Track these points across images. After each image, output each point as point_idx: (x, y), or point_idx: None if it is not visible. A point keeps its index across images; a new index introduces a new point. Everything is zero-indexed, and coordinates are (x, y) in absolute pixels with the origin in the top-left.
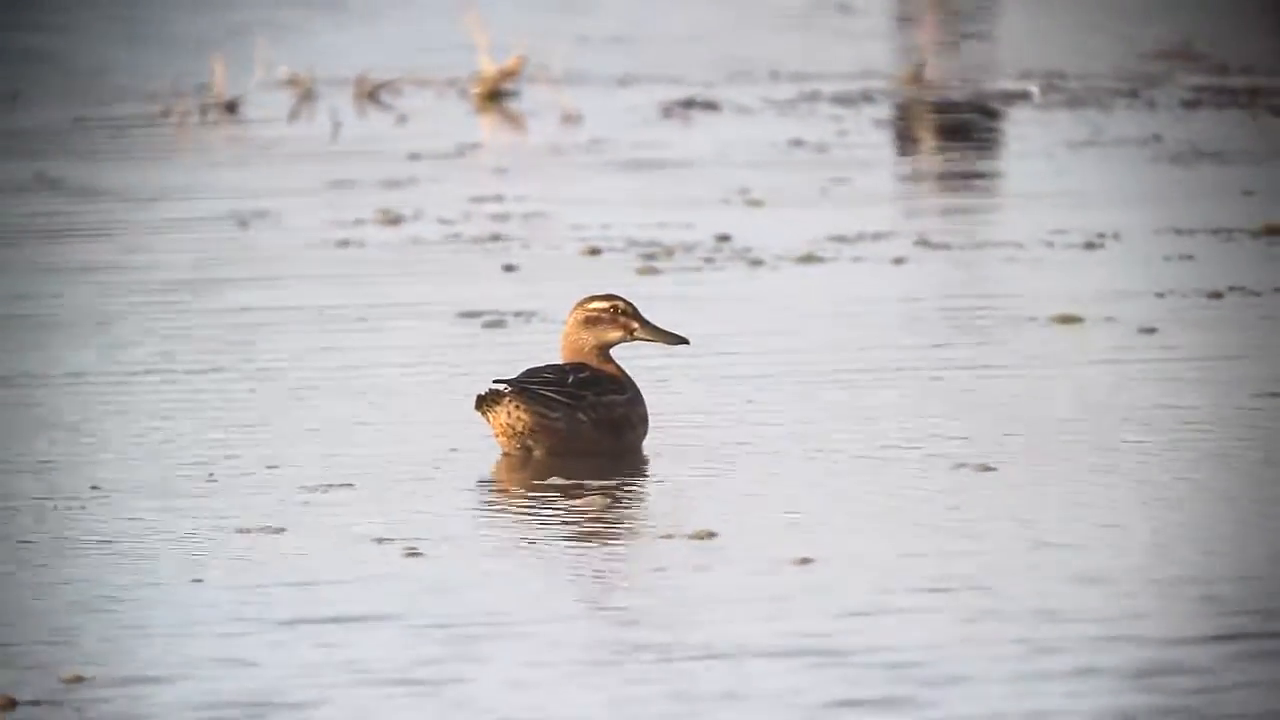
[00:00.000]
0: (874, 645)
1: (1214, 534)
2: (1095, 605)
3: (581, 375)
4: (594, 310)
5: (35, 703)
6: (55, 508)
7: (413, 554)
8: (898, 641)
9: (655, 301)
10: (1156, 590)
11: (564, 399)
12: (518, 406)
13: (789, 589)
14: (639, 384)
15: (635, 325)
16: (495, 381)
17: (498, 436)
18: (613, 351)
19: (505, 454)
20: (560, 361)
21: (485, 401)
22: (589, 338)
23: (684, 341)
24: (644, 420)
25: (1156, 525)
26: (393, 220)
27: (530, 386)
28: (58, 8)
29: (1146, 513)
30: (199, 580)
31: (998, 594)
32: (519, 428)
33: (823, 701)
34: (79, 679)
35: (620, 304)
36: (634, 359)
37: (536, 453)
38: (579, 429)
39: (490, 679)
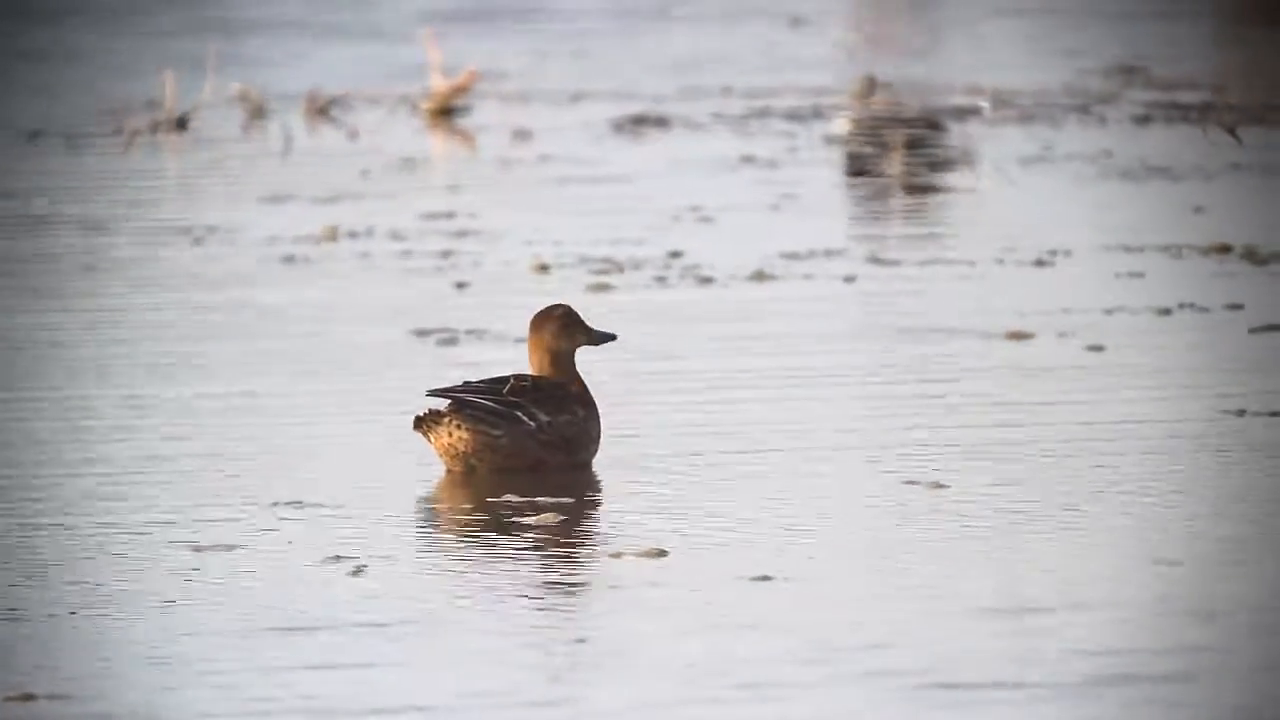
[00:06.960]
0: (826, 660)
1: (1168, 546)
2: (1048, 623)
3: (522, 384)
4: (562, 317)
5: None
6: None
7: (359, 573)
8: (854, 658)
9: (607, 318)
10: (1117, 605)
11: (504, 412)
12: (458, 426)
13: (737, 609)
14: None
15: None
16: (429, 393)
17: (440, 456)
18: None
19: (449, 472)
20: (526, 373)
21: (425, 422)
22: (567, 345)
23: (612, 338)
24: (595, 439)
25: (1109, 540)
26: (343, 236)
27: (468, 399)
28: (10, 27)
29: (1099, 527)
30: (150, 598)
31: (950, 610)
32: (461, 448)
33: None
34: (28, 697)
35: (571, 309)
36: (587, 376)
37: (479, 469)
38: (523, 444)
39: (438, 701)
